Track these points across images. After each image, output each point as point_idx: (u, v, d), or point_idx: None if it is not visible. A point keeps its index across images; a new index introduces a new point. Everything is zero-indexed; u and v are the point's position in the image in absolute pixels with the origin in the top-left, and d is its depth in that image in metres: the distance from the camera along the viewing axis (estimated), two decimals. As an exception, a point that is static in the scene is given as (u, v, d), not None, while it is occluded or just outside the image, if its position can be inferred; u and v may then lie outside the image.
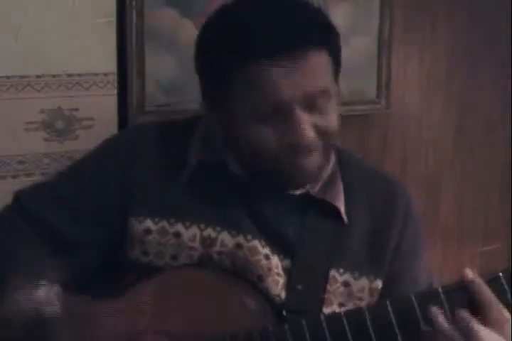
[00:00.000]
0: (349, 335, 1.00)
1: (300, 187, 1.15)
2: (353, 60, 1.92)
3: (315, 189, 1.17)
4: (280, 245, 1.15)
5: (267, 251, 1.13)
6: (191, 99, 1.69)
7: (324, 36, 1.06)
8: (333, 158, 1.19)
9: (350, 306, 1.16)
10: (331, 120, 1.08)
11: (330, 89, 1.07)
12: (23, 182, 1.52)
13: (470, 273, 0.99)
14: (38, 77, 1.56)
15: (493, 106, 2.33)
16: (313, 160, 1.09)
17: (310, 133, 1.05)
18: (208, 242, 1.13)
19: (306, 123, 1.05)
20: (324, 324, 1.01)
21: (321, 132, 1.07)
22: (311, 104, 1.05)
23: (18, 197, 1.21)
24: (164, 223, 1.14)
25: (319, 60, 1.05)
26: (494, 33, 2.25)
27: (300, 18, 1.04)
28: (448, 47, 2.20)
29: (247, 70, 1.03)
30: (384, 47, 2.02)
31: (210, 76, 1.09)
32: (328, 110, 1.07)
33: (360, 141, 2.08)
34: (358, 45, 1.97)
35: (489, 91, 2.30)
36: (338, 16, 1.88)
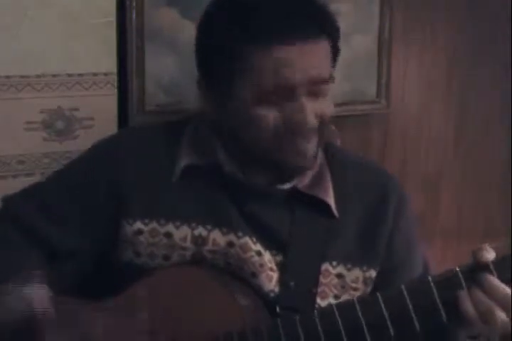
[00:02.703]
0: (341, 328, 1.00)
1: (298, 174, 1.16)
2: (353, 59, 1.92)
3: (303, 184, 1.17)
4: (271, 241, 1.15)
5: (258, 247, 1.14)
6: (191, 99, 1.69)
7: (327, 25, 1.10)
8: (320, 153, 1.20)
9: (345, 297, 1.16)
10: (327, 105, 1.11)
11: (330, 77, 1.10)
12: (23, 182, 1.51)
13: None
14: (38, 77, 1.56)
15: (493, 106, 2.33)
16: (311, 145, 1.11)
17: (312, 119, 1.08)
18: (199, 241, 1.14)
19: (310, 109, 1.07)
20: (316, 318, 1.02)
21: (318, 117, 1.09)
22: (313, 90, 1.08)
23: (6, 203, 1.22)
24: (154, 224, 1.15)
25: (323, 48, 1.09)
26: (494, 33, 2.24)
27: (308, 7, 1.09)
28: (448, 47, 2.20)
29: (253, 50, 1.05)
30: (384, 47, 2.02)
31: (216, 55, 1.10)
32: (326, 96, 1.11)
33: (360, 141, 2.08)
34: (358, 45, 1.96)
35: (489, 91, 2.30)
36: (338, 16, 1.87)
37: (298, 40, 1.04)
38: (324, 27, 1.09)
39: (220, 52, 1.08)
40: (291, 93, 1.06)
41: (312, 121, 1.08)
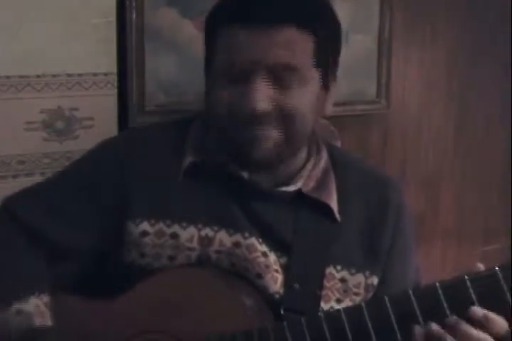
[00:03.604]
0: (348, 332, 1.00)
1: (260, 166, 1.13)
2: (353, 59, 1.92)
3: (308, 187, 1.17)
4: (276, 243, 1.15)
5: (264, 248, 1.14)
6: (191, 99, 1.69)
7: (311, 19, 1.08)
8: (324, 156, 1.20)
9: (347, 301, 1.16)
10: (295, 99, 1.08)
11: (299, 68, 1.07)
12: (23, 182, 1.52)
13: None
14: (38, 77, 1.56)
15: (493, 106, 2.33)
16: (268, 136, 1.08)
17: (262, 105, 1.05)
18: (205, 242, 1.13)
19: (262, 93, 1.05)
20: (323, 321, 1.01)
21: (280, 107, 1.07)
22: (274, 77, 1.06)
23: (7, 203, 1.21)
24: (161, 225, 1.14)
25: (297, 39, 1.07)
26: (494, 33, 2.25)
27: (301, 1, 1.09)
28: (448, 47, 2.20)
29: (223, 30, 1.08)
30: (384, 47, 2.02)
31: (206, 40, 1.15)
32: (294, 88, 1.07)
33: (360, 141, 2.08)
34: (358, 45, 1.97)
35: (489, 91, 2.30)
36: (338, 16, 1.88)
37: (262, 24, 1.04)
38: (308, 20, 1.07)
39: (206, 32, 1.14)
40: (247, 73, 1.06)
41: (261, 107, 1.04)
